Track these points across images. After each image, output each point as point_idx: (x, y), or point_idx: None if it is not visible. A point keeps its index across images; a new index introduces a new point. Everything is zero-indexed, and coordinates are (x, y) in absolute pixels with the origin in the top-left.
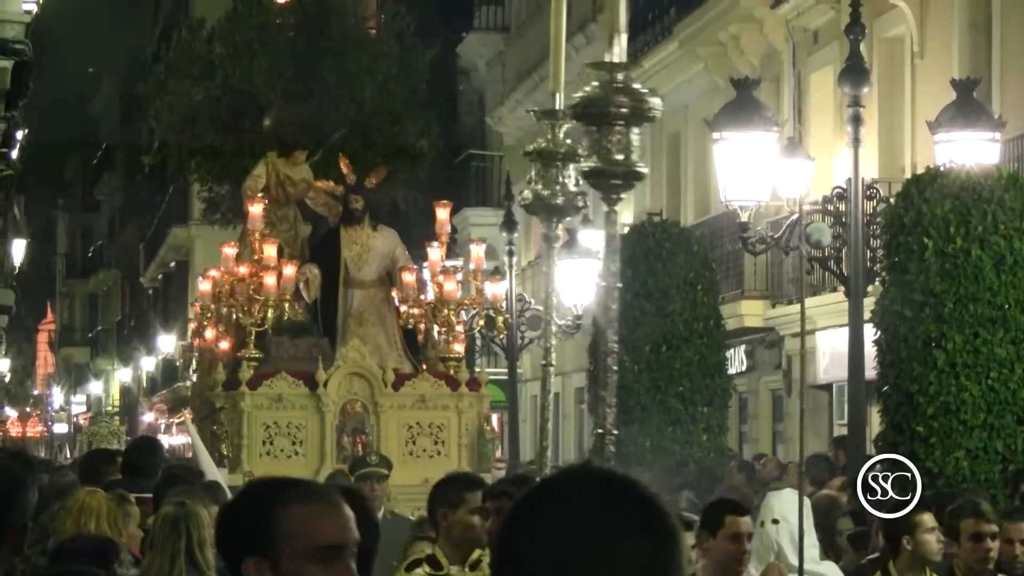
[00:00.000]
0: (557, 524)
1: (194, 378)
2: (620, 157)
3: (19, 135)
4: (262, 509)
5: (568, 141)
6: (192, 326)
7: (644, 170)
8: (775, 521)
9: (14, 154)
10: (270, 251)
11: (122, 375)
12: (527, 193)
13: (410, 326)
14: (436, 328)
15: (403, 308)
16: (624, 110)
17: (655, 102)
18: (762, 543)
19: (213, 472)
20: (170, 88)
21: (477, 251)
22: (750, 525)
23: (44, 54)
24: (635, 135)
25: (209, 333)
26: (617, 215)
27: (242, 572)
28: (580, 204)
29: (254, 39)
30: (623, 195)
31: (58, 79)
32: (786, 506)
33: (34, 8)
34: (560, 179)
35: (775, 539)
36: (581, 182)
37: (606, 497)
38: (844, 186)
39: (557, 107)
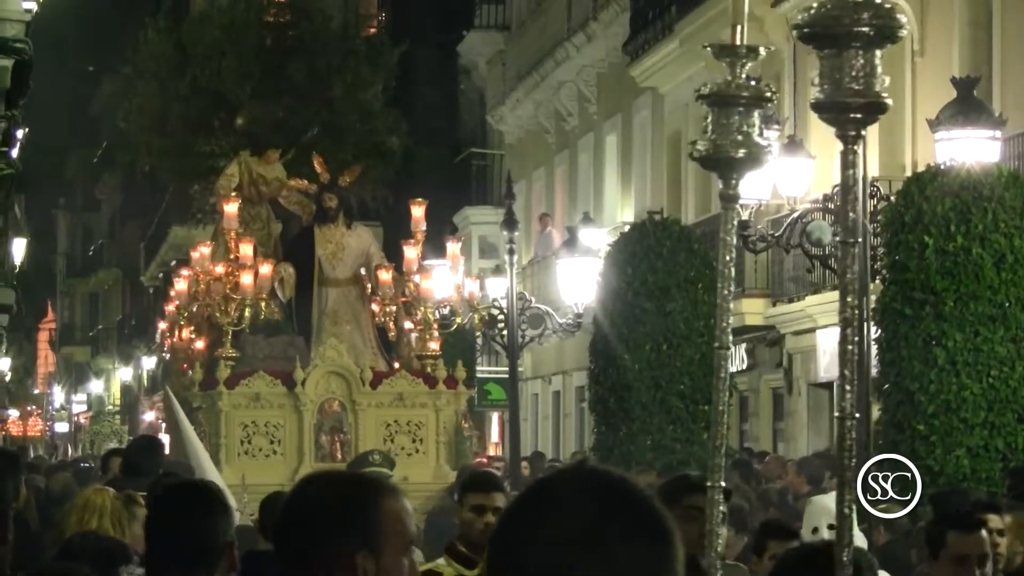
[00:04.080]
0: (554, 529)
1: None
2: (858, 87)
3: (19, 134)
4: (365, 504)
5: (753, 83)
6: (163, 326)
7: (888, 101)
8: (831, 527)
9: (14, 153)
10: (246, 250)
11: (123, 374)
12: (701, 144)
13: (393, 323)
14: (411, 325)
15: (378, 306)
16: (865, 29)
17: (902, 20)
18: None
19: (202, 464)
20: (139, 89)
21: (453, 248)
22: (983, 544)
23: (45, 53)
24: (878, 60)
25: (177, 333)
26: (856, 157)
27: (353, 564)
28: (767, 158)
29: (222, 39)
30: (863, 132)
31: (59, 78)
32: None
33: (34, 7)
34: (744, 128)
35: None
36: (766, 133)
37: (604, 501)
38: None
39: (737, 41)
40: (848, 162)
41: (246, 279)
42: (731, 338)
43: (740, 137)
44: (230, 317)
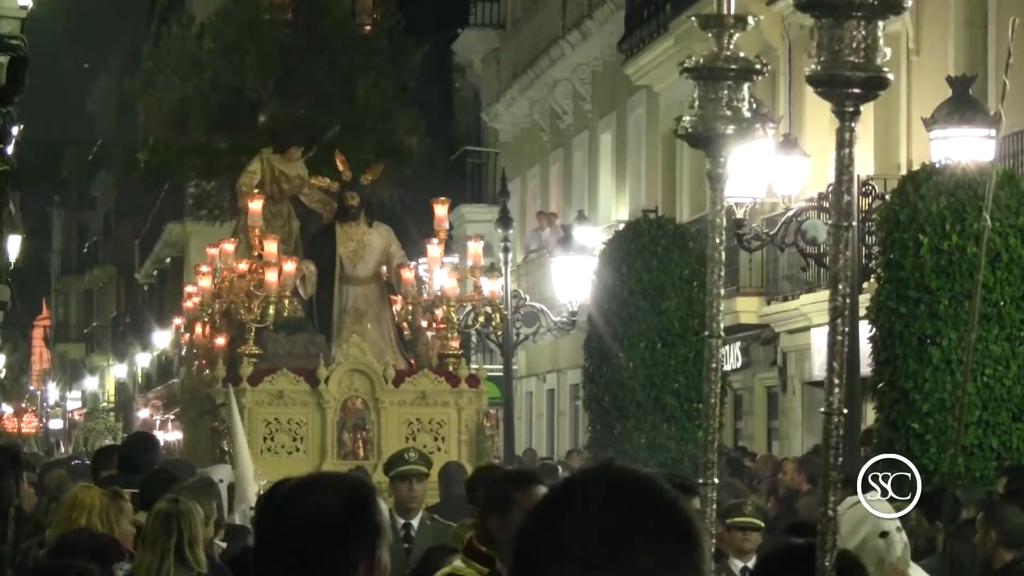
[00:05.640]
0: (579, 530)
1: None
2: (858, 59)
3: (15, 131)
4: (371, 505)
5: (742, 55)
6: (179, 322)
7: (890, 76)
8: (899, 529)
9: (10, 150)
10: (271, 247)
11: (117, 371)
12: (687, 120)
13: (408, 321)
14: (433, 323)
15: (399, 305)
16: None
17: None
18: (875, 557)
19: (246, 466)
20: (159, 84)
21: (475, 248)
22: None
23: (40, 50)
24: (880, 31)
25: (200, 329)
26: (853, 134)
27: (371, 564)
28: (757, 135)
29: (245, 36)
30: (861, 108)
31: (54, 75)
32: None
33: (30, 4)
34: (733, 102)
35: (899, 551)
36: (755, 105)
37: (629, 502)
38: None
39: (724, 11)
40: (844, 140)
41: (271, 276)
42: (722, 326)
43: (729, 112)
44: (253, 314)
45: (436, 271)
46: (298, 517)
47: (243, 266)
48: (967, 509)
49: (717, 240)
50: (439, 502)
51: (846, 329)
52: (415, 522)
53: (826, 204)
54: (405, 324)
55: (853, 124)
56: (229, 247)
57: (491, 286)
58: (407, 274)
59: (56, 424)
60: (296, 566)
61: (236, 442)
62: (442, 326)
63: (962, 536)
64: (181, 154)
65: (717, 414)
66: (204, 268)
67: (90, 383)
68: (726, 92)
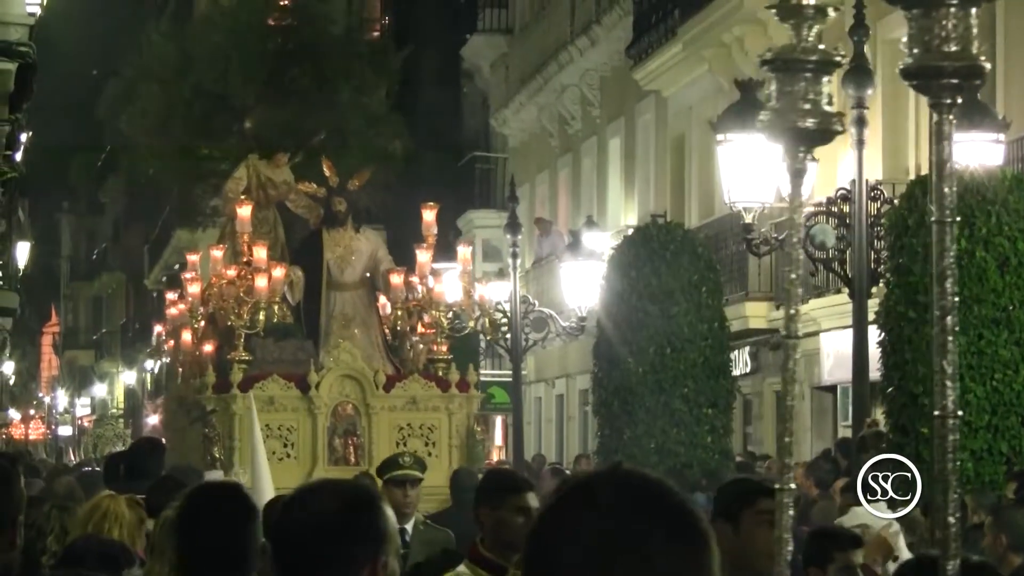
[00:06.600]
0: (591, 531)
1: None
2: (955, 48)
3: (23, 137)
4: (374, 509)
5: (822, 47)
6: (159, 329)
7: (987, 65)
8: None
9: (18, 156)
10: (260, 253)
11: (126, 377)
12: (764, 115)
13: (397, 328)
14: (419, 328)
15: (389, 310)
16: None
17: None
18: None
19: (264, 475)
20: (141, 91)
21: (464, 252)
22: None
23: (48, 56)
24: (974, 20)
25: (187, 336)
26: (952, 127)
27: (374, 569)
28: (837, 128)
29: (228, 43)
30: (959, 99)
31: (62, 81)
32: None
33: (38, 10)
34: (811, 95)
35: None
36: (835, 100)
37: (641, 503)
38: (848, 187)
39: (803, 1)
40: (943, 134)
41: (260, 282)
42: (799, 327)
43: (808, 106)
44: (243, 320)
45: (426, 276)
46: (302, 520)
47: (232, 272)
48: (976, 514)
49: (795, 239)
50: (449, 507)
51: (956, 328)
52: (409, 527)
53: (834, 209)
54: (387, 330)
55: (951, 116)
56: (217, 253)
57: (486, 291)
58: (395, 279)
59: (65, 431)
60: (300, 568)
61: (255, 451)
62: (430, 331)
63: (970, 540)
64: (164, 160)
65: (791, 417)
66: (189, 275)
67: (99, 389)
68: (803, 84)
